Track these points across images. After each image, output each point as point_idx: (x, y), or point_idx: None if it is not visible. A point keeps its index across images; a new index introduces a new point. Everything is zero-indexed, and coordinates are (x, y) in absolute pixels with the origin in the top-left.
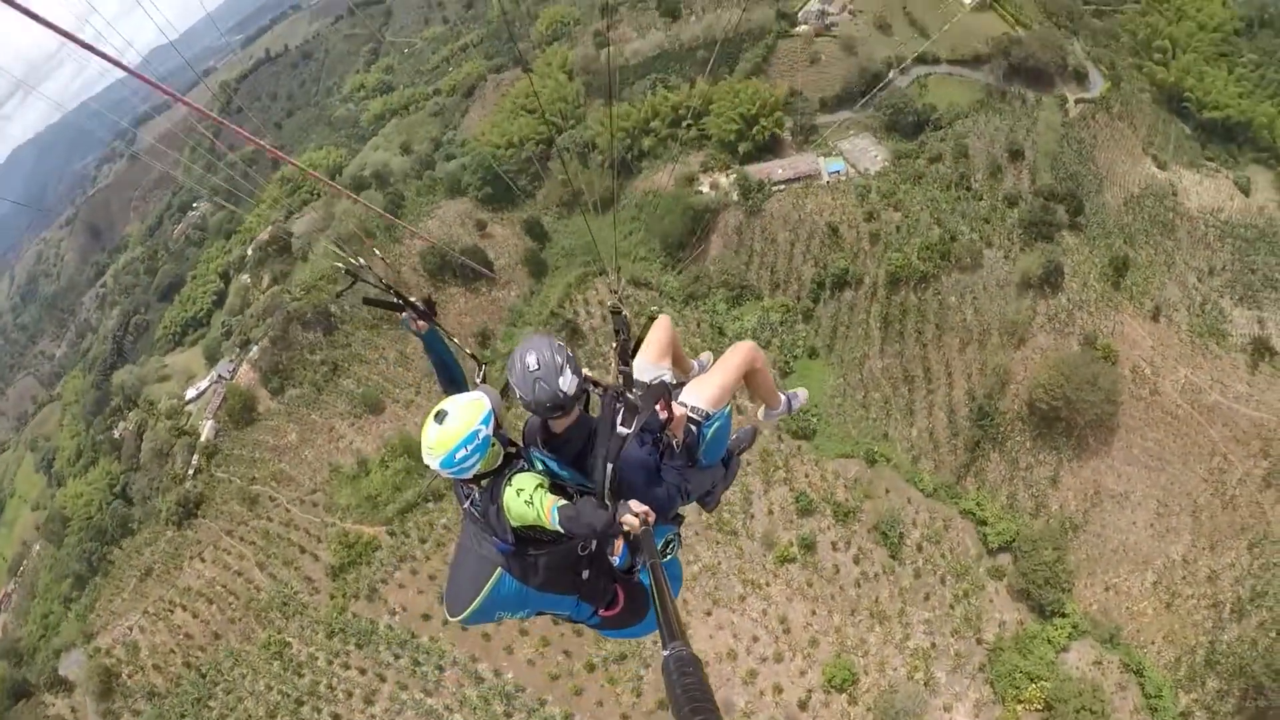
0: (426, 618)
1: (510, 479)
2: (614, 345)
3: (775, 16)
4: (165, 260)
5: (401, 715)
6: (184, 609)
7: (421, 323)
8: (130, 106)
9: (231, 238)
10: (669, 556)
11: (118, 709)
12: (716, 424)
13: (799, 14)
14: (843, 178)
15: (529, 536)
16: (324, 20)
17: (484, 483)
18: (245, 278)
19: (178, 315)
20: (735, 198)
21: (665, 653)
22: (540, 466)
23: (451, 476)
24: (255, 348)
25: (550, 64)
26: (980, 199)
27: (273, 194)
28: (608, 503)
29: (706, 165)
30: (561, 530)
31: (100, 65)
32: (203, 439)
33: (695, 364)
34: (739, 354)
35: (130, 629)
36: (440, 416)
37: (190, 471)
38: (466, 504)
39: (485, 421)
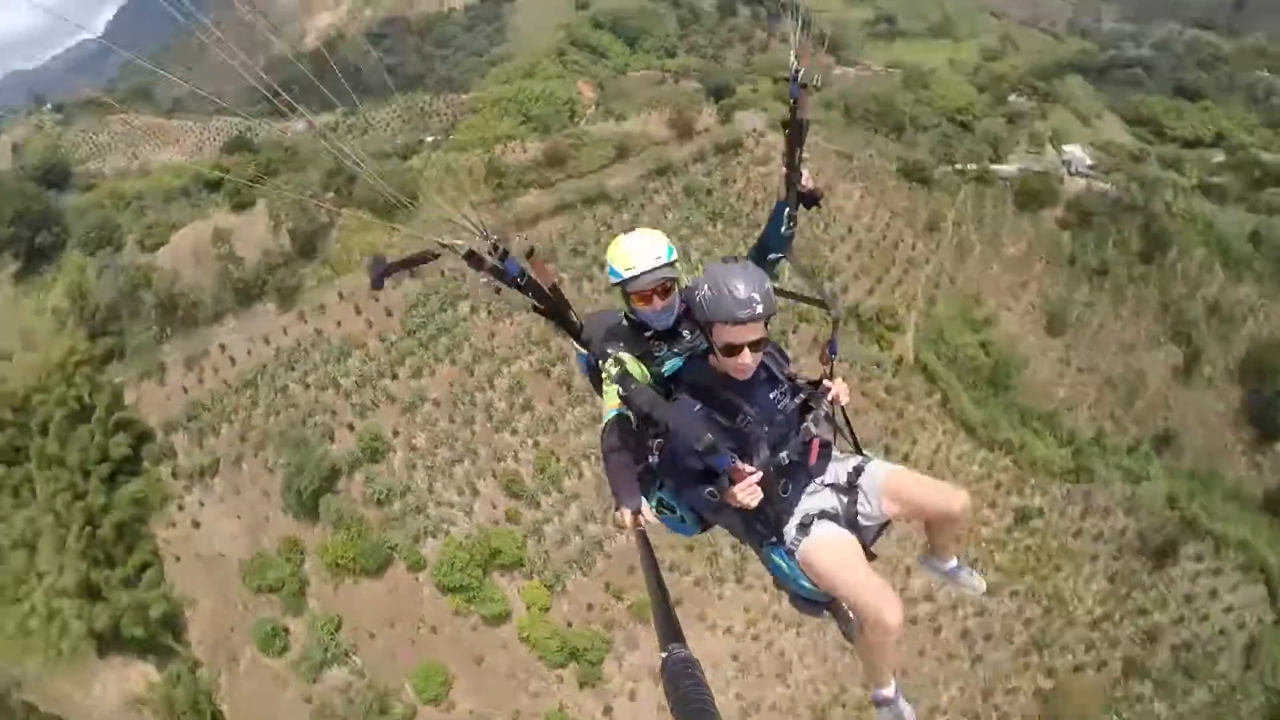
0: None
1: (620, 354)
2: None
3: None
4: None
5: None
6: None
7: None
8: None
9: None
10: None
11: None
12: (786, 563)
13: None
14: None
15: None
16: None
17: (625, 321)
18: None
19: None
20: None
21: (663, 654)
22: (662, 368)
23: (652, 266)
24: None
25: None
26: None
27: None
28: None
29: None
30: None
31: None
32: None
33: (953, 561)
34: (887, 602)
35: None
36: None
37: None
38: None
39: (670, 252)
